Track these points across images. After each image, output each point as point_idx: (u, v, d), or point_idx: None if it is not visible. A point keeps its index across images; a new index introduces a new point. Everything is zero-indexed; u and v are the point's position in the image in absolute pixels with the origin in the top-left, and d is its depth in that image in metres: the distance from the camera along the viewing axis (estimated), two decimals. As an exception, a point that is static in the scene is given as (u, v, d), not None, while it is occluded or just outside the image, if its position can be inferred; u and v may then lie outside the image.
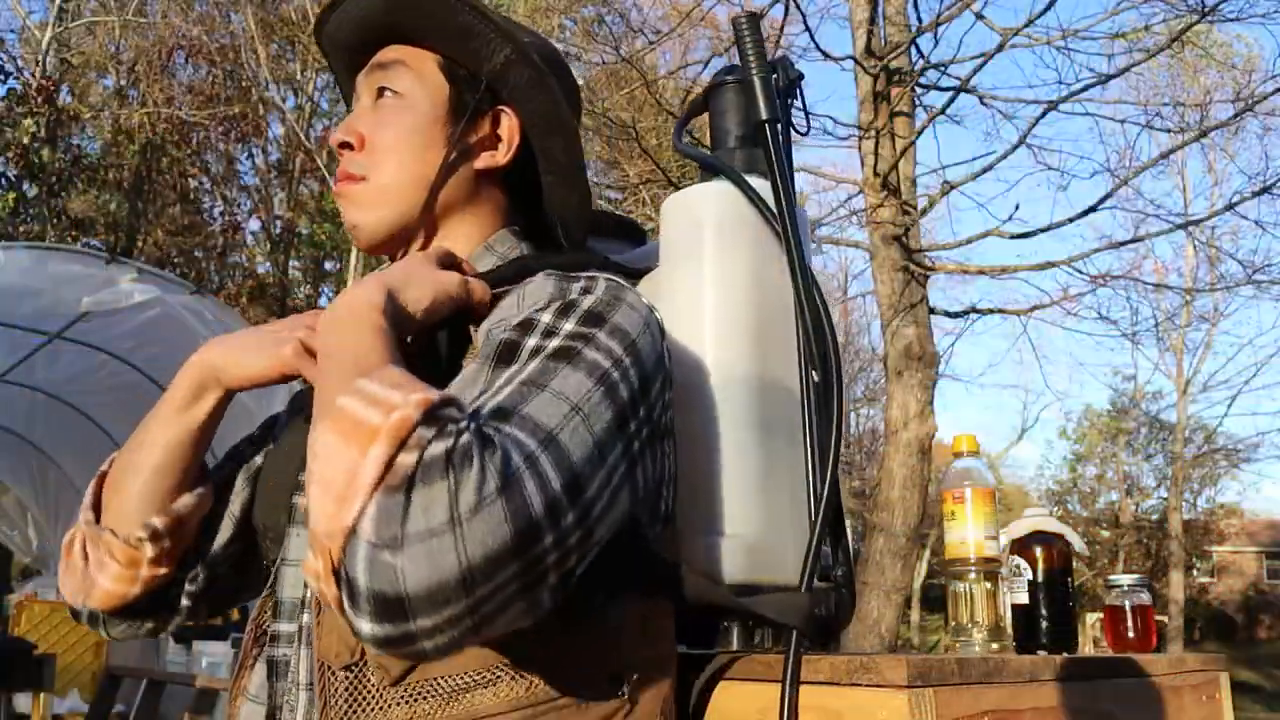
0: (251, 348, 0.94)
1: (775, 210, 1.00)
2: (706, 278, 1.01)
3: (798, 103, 1.10)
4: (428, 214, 0.99)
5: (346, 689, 0.80)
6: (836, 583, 0.95)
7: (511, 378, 0.74)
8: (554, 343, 0.78)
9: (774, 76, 1.06)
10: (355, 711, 0.80)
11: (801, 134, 1.11)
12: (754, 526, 0.96)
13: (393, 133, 0.99)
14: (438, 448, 0.64)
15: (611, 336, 0.80)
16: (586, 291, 0.84)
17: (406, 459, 0.63)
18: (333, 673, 0.81)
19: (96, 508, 0.97)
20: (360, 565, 0.62)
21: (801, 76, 1.09)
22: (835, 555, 0.96)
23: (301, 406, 0.99)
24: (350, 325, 0.79)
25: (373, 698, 0.80)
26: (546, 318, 0.81)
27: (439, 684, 0.79)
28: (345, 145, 1.00)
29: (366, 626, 0.63)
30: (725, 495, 0.96)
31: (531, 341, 0.78)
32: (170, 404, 0.95)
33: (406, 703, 0.79)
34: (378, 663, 0.80)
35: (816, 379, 0.95)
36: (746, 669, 0.96)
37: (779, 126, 1.05)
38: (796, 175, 1.06)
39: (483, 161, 1.02)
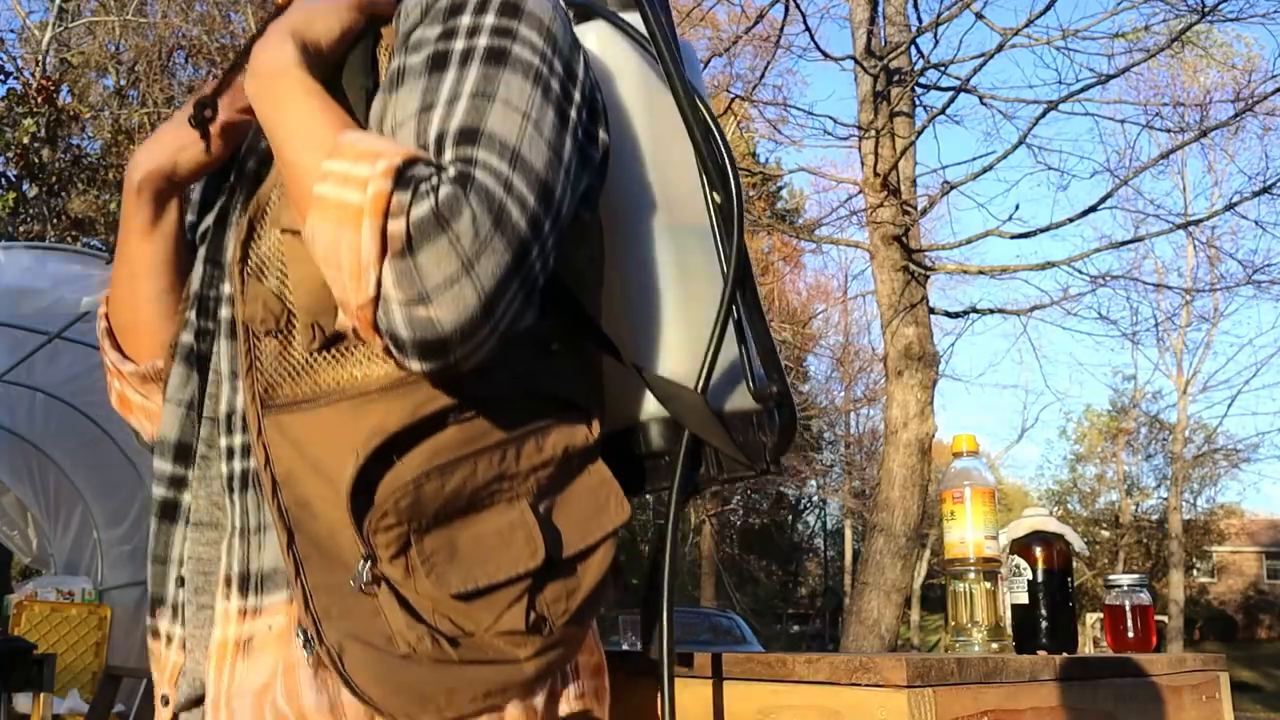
0: (184, 138, 0.93)
1: (649, 35, 0.99)
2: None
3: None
4: None
5: (275, 354, 0.83)
6: (772, 399, 0.93)
7: (457, 91, 0.78)
8: (481, 42, 0.80)
9: None
10: (284, 376, 0.82)
11: None
12: (682, 360, 0.95)
13: None
14: (422, 208, 0.70)
15: (530, 27, 0.82)
16: None
17: (395, 226, 0.70)
18: (258, 338, 0.84)
19: (124, 353, 1.00)
20: (400, 322, 0.71)
21: None
22: (769, 375, 0.94)
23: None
24: (282, 96, 0.81)
25: (301, 361, 0.82)
26: (466, 19, 0.81)
27: (361, 349, 0.81)
28: None
29: (415, 365, 0.73)
30: (647, 329, 0.96)
31: (459, 45, 0.80)
32: (140, 226, 0.95)
33: (333, 365, 0.81)
34: (305, 324, 0.81)
35: (718, 199, 0.95)
36: (746, 669, 0.96)
37: None
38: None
39: None
